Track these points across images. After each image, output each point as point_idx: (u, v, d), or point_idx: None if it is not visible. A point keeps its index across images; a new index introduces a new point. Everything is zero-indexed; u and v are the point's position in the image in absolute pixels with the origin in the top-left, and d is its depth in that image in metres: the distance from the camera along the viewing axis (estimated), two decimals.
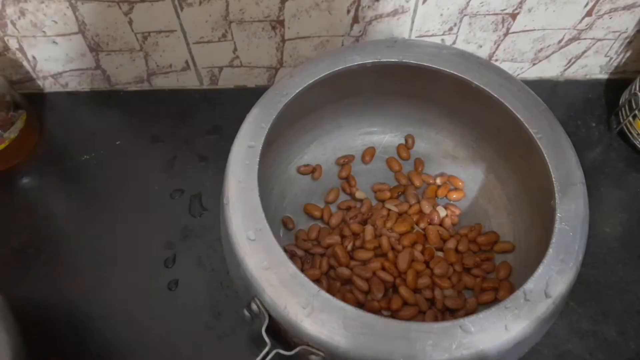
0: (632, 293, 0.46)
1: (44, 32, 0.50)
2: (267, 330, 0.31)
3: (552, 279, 0.31)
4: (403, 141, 0.51)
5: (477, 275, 0.43)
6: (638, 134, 0.52)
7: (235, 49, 0.53)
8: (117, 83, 0.57)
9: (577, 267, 0.32)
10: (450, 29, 0.52)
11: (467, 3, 0.48)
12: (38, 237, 0.49)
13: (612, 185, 0.52)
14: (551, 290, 0.31)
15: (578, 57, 0.56)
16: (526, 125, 0.37)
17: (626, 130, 0.53)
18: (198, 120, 0.56)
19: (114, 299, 0.45)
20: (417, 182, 0.48)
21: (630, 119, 0.52)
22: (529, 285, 0.31)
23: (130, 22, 0.49)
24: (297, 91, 0.39)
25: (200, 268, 0.47)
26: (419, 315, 0.41)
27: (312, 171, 0.49)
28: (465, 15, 0.50)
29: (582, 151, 0.54)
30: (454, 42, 0.53)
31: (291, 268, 0.31)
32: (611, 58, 0.57)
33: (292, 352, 0.30)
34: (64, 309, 0.45)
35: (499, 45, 0.54)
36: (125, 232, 0.49)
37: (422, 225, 0.45)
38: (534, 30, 0.52)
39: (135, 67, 0.55)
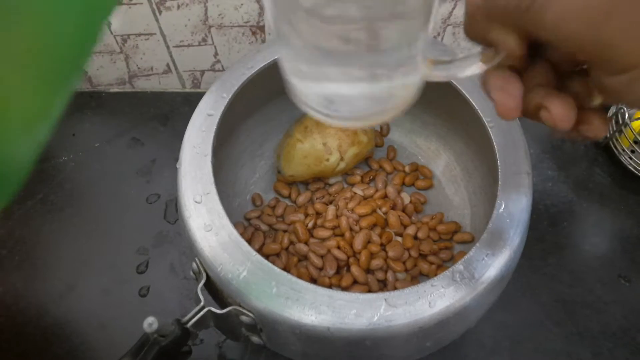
0: (610, 314, 0.45)
1: None
2: (204, 290, 0.32)
3: (483, 262, 0.31)
4: (378, 128, 0.51)
5: (433, 263, 0.42)
6: (624, 150, 0.51)
7: (216, 53, 0.52)
8: (98, 84, 0.57)
9: (511, 254, 0.32)
10: (434, 38, 0.51)
11: (450, 12, 0.47)
12: (12, 238, 0.48)
13: (596, 202, 0.51)
14: (480, 273, 0.31)
15: None
16: (480, 113, 0.38)
17: (612, 146, 0.52)
18: (179, 123, 0.55)
19: (85, 303, 0.45)
20: (387, 169, 0.48)
21: (617, 134, 0.51)
22: (459, 266, 0.31)
23: (109, 24, 0.48)
24: (262, 65, 0.38)
25: (172, 275, 0.46)
26: None
27: None
28: (448, 25, 0.49)
29: (567, 165, 0.53)
30: None
31: (232, 233, 0.32)
32: None
33: (224, 311, 0.31)
34: (34, 312, 0.45)
35: None
36: (100, 236, 0.49)
37: (384, 209, 0.45)
38: None
39: (117, 69, 0.54)
